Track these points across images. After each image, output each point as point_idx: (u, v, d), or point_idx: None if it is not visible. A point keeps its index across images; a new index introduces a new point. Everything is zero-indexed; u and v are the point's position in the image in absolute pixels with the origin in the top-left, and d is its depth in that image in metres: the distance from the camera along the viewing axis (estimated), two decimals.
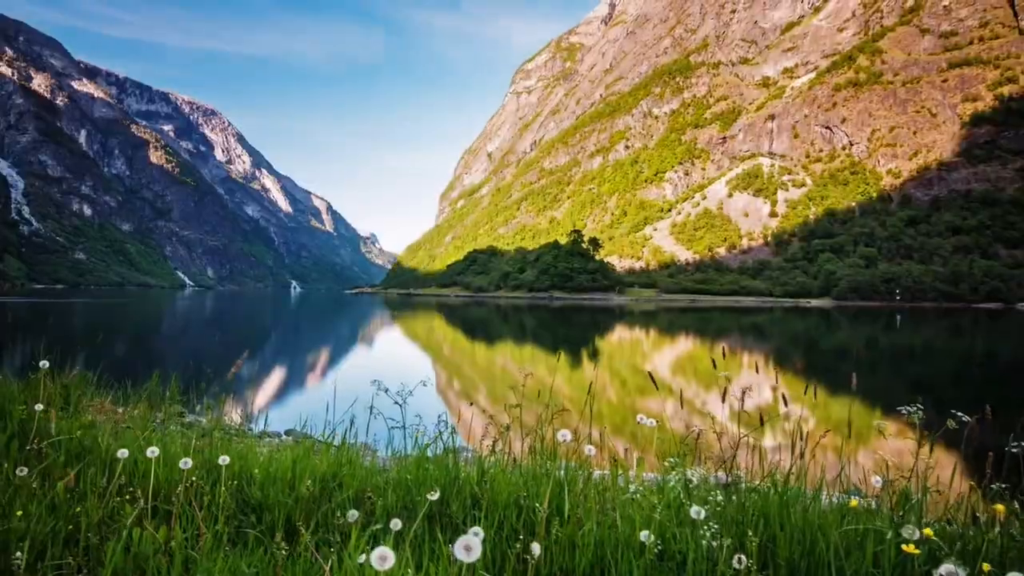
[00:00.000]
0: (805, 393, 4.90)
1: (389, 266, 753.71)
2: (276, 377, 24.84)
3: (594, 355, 33.98)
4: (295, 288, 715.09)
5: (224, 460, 4.14)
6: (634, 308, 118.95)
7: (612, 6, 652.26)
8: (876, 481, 4.29)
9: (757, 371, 15.92)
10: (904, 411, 4.23)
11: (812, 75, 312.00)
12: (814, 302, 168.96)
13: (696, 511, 3.35)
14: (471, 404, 7.05)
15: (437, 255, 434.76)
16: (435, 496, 3.41)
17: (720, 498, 4.13)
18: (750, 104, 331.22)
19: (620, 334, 53.67)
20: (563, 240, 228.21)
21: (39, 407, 5.38)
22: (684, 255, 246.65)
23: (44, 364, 6.40)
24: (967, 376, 28.04)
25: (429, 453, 5.26)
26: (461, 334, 56.77)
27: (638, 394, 21.37)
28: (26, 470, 4.12)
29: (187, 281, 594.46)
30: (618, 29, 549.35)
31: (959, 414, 3.92)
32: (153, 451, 4.04)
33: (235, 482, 4.67)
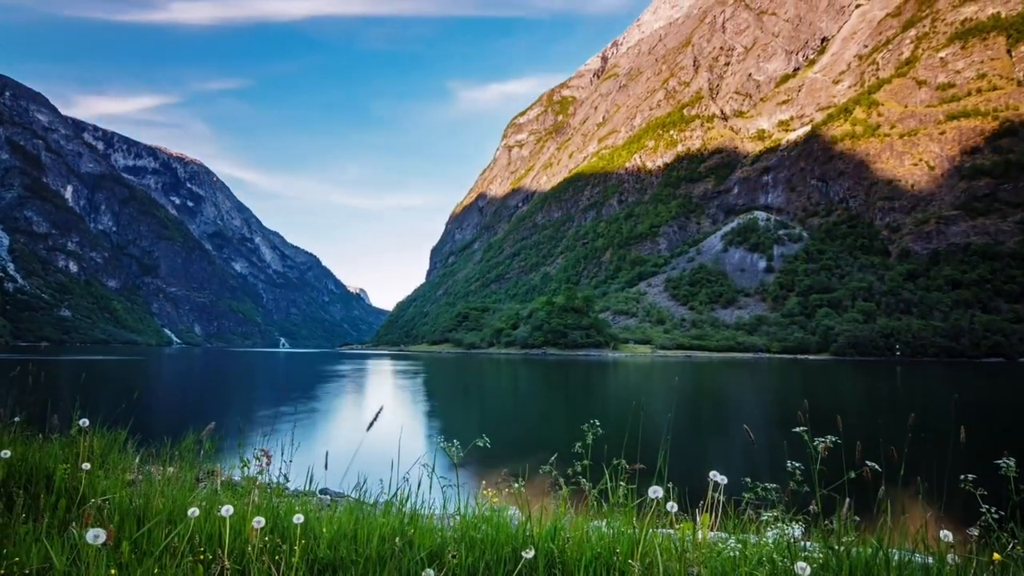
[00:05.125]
0: (906, 449, 4.85)
1: (379, 323, 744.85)
2: (304, 434, 24.15)
3: (670, 407, 33.25)
4: (283, 345, 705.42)
5: (299, 519, 4.24)
6: (630, 363, 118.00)
7: (604, 59, 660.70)
8: (944, 535, 4.21)
9: (839, 428, 10.42)
10: (1003, 463, 4.33)
11: (808, 128, 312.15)
12: (812, 357, 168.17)
13: (802, 567, 3.29)
14: (550, 461, 6.02)
15: (428, 311, 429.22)
16: (530, 555, 3.46)
17: (818, 554, 4.14)
18: (745, 157, 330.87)
19: (648, 388, 53.37)
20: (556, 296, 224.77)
21: (86, 466, 5.74)
22: (679, 310, 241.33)
23: (84, 422, 6.68)
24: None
25: (485, 510, 5.33)
26: (479, 387, 56.85)
27: (703, 446, 21.93)
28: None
29: (174, 338, 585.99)
30: (611, 82, 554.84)
31: None
32: (228, 510, 3.98)
33: (303, 540, 4.62)
